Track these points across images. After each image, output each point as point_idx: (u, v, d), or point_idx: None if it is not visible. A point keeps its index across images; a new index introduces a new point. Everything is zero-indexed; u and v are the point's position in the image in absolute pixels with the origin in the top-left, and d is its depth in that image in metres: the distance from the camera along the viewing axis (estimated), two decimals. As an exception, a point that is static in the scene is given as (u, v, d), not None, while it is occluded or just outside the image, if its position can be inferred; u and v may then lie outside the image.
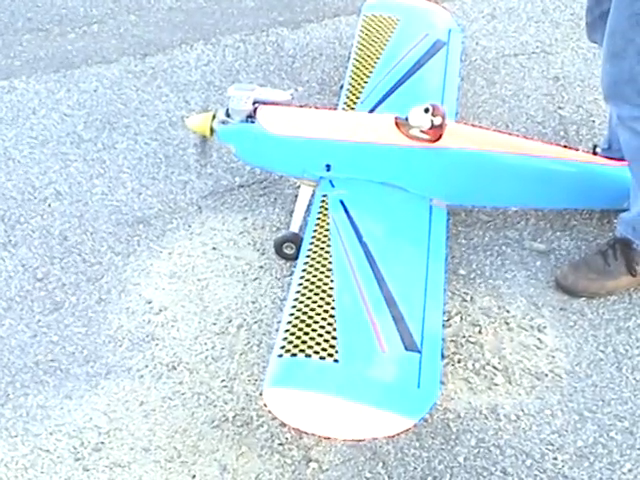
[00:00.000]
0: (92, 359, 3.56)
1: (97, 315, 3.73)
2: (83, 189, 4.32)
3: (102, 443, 3.26)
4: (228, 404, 3.36)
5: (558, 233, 3.96)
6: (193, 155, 4.41)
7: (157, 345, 3.59)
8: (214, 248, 3.97)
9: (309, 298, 3.13)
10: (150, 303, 3.75)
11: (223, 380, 3.44)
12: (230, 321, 3.65)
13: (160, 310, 3.72)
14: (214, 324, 3.65)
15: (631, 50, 3.28)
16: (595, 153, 3.88)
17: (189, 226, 4.09)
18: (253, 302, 3.72)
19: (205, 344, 3.58)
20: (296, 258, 3.51)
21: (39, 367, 3.55)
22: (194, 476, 3.15)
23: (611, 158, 3.77)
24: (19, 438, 3.30)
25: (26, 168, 4.46)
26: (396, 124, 3.63)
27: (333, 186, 3.64)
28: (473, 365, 3.44)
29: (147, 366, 3.51)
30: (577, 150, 3.88)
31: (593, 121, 4.54)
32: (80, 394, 3.44)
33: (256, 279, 3.82)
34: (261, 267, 3.87)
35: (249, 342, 3.57)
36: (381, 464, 3.15)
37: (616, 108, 3.51)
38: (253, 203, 4.18)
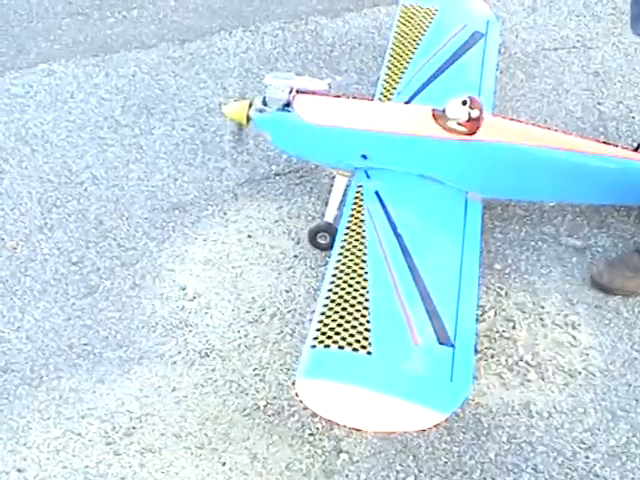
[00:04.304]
0: (125, 344, 3.58)
1: (131, 300, 3.75)
2: (120, 174, 4.34)
3: (133, 428, 3.29)
4: (260, 392, 3.37)
5: (595, 230, 3.93)
6: (230, 142, 4.41)
7: (190, 332, 3.60)
8: (249, 236, 3.97)
9: (343, 289, 3.12)
10: (184, 289, 3.77)
11: (255, 368, 3.45)
12: (264, 309, 3.66)
13: (194, 297, 3.73)
14: (247, 312, 3.66)
15: None
16: (637, 150, 3.84)
17: (224, 213, 4.10)
18: (287, 291, 3.73)
19: (238, 332, 3.59)
20: (330, 248, 3.50)
21: (72, 350, 3.57)
22: (224, 463, 3.16)
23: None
24: (51, 421, 3.33)
25: (63, 152, 4.48)
26: (433, 116, 3.61)
27: (369, 177, 3.62)
28: (506, 361, 3.43)
29: (180, 352, 3.53)
30: (616, 146, 3.84)
31: (633, 117, 4.50)
32: (113, 378, 3.46)
33: (290, 268, 3.82)
34: (296, 256, 3.87)
35: (282, 331, 3.58)
36: (411, 457, 3.15)
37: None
38: (289, 192, 4.18)
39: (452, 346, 2.97)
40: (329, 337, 2.94)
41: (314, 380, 2.87)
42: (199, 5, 5.53)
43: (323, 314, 3.04)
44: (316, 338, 2.95)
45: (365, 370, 2.88)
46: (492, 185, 3.72)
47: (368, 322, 2.98)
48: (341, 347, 2.90)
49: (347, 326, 2.96)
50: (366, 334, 2.93)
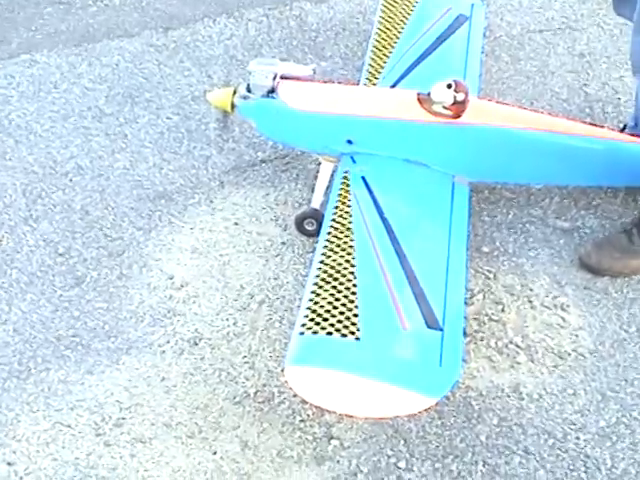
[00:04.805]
0: (113, 334, 3.57)
1: (118, 290, 3.73)
2: (105, 164, 4.32)
3: (123, 418, 3.27)
4: (249, 380, 3.36)
5: (582, 211, 3.93)
6: (215, 130, 4.39)
7: (179, 321, 3.59)
8: (236, 223, 3.96)
9: (330, 275, 3.11)
10: (172, 279, 3.75)
11: (245, 356, 3.44)
12: (252, 297, 3.65)
13: (182, 286, 3.72)
14: (236, 300, 3.65)
15: None
16: (623, 131, 3.84)
17: (211, 201, 4.08)
18: (275, 278, 3.72)
19: (227, 320, 3.57)
20: (317, 234, 3.49)
21: (60, 342, 3.55)
22: (215, 452, 3.15)
23: (638, 135, 3.72)
24: (40, 413, 3.31)
25: (47, 142, 4.45)
26: (418, 100, 3.59)
27: (355, 162, 3.61)
28: (496, 343, 3.43)
29: (168, 342, 3.52)
30: (603, 127, 3.83)
31: (619, 98, 4.49)
32: (101, 369, 3.44)
33: (278, 255, 3.81)
34: (283, 243, 3.86)
35: (271, 318, 3.56)
36: (402, 442, 3.15)
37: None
38: (275, 179, 4.16)
39: (441, 330, 2.96)
40: (317, 323, 2.93)
41: (303, 367, 2.86)
42: (182, -8, 5.51)
43: (311, 300, 3.03)
44: (304, 325, 2.94)
45: (354, 356, 2.87)
46: (479, 168, 3.71)
47: (356, 307, 2.97)
48: (329, 333, 2.89)
49: (335, 312, 2.95)
50: (354, 320, 2.92)
